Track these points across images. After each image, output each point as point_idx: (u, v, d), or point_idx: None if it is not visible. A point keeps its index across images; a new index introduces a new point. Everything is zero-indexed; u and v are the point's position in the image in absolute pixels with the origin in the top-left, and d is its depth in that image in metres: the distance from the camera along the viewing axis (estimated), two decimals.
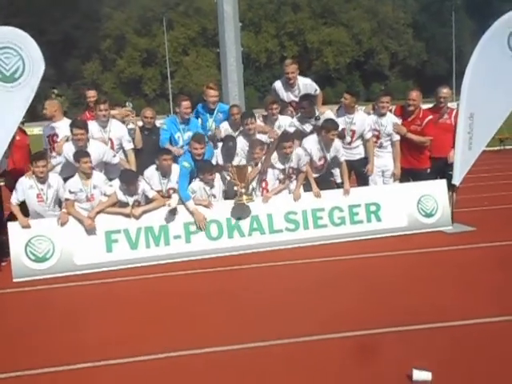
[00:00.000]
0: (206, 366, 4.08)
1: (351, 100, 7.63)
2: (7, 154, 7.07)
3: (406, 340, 4.31)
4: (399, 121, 7.66)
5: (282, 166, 7.21)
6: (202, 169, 6.98)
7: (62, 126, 7.32)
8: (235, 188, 6.92)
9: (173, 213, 6.90)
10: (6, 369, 4.17)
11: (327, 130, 7.10)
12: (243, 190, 6.85)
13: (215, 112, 7.57)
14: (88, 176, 6.70)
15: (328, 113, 7.58)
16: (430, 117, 7.59)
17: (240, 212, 7.12)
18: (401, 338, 4.35)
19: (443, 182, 7.75)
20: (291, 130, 7.42)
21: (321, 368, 3.93)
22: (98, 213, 6.73)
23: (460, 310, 4.83)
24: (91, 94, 7.89)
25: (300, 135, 7.39)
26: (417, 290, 5.41)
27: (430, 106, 8.10)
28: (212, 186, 7.13)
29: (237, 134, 7.39)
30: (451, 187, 7.73)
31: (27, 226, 6.57)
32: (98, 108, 7.26)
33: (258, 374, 3.91)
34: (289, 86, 7.67)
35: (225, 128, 7.43)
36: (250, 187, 7.11)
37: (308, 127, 7.51)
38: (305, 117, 7.45)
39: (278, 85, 7.82)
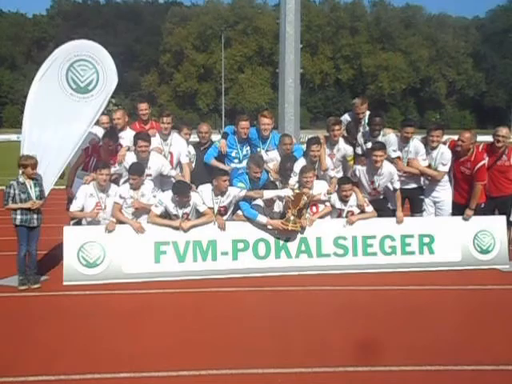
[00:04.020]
0: None
1: (413, 132, 7.48)
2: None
3: (434, 379, 4.19)
4: (450, 154, 7.39)
5: (341, 207, 7.25)
6: (266, 188, 6.99)
7: (126, 136, 7.45)
8: (286, 211, 6.91)
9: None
10: (47, 371, 4.25)
11: (371, 149, 7.11)
12: (292, 217, 6.82)
13: (268, 143, 7.52)
14: (137, 187, 6.84)
15: (391, 136, 7.49)
16: (483, 162, 7.24)
17: (281, 236, 7.07)
18: (428, 376, 4.22)
19: (502, 219, 7.48)
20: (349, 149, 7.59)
21: None
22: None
23: (502, 353, 4.64)
24: (143, 107, 7.93)
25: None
26: (458, 327, 5.27)
27: (485, 139, 7.78)
28: (271, 207, 7.09)
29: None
30: (509, 224, 7.45)
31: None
32: (161, 120, 7.38)
33: None
34: (357, 121, 7.81)
35: (273, 157, 7.42)
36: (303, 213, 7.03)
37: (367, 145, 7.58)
38: (372, 132, 7.47)
39: (346, 118, 8.00)
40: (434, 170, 7.43)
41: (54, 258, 7.28)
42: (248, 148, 7.51)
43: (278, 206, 7.11)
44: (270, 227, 6.97)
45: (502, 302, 6.08)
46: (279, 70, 9.87)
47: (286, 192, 6.84)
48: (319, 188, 7.21)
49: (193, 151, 7.68)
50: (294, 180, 7.10)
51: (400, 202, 7.35)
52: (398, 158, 7.42)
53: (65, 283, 6.53)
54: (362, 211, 7.24)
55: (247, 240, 7.01)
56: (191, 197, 6.87)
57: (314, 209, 7.34)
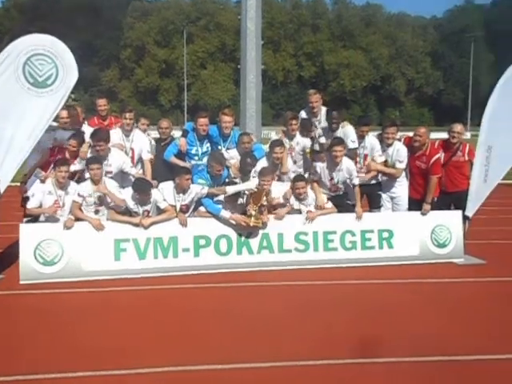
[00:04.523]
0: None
1: (368, 130, 7.66)
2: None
3: (396, 371, 4.24)
4: (405, 151, 7.54)
5: (299, 207, 7.28)
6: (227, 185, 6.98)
7: (85, 132, 7.34)
8: (247, 208, 6.91)
9: None
10: (3, 372, 4.14)
11: (330, 145, 7.15)
12: (253, 212, 6.82)
13: (228, 141, 7.49)
14: (97, 182, 6.74)
15: (348, 128, 7.55)
16: (438, 156, 7.44)
17: (243, 232, 7.07)
18: (391, 369, 4.28)
19: (458, 213, 7.67)
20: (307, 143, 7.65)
21: None
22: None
23: (459, 344, 4.76)
24: (101, 103, 7.92)
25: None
26: (417, 320, 5.35)
27: (444, 136, 8.01)
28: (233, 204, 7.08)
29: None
30: (464, 219, 7.66)
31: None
32: (123, 116, 7.29)
33: None
34: (312, 114, 7.83)
35: (233, 155, 7.40)
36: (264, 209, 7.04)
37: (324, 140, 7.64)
38: (331, 126, 7.53)
39: (302, 114, 8.02)
40: (391, 167, 7.57)
41: (10, 256, 7.05)
42: (208, 145, 7.46)
43: (239, 200, 7.10)
44: (233, 222, 6.97)
45: (459, 294, 6.23)
46: (241, 66, 9.88)
47: (249, 185, 6.85)
48: (278, 191, 7.22)
49: (153, 142, 7.65)
50: (255, 181, 7.06)
51: (359, 197, 7.45)
52: (356, 153, 7.52)
53: (21, 282, 6.37)
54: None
55: (209, 236, 6.99)
56: (152, 194, 6.81)
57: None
